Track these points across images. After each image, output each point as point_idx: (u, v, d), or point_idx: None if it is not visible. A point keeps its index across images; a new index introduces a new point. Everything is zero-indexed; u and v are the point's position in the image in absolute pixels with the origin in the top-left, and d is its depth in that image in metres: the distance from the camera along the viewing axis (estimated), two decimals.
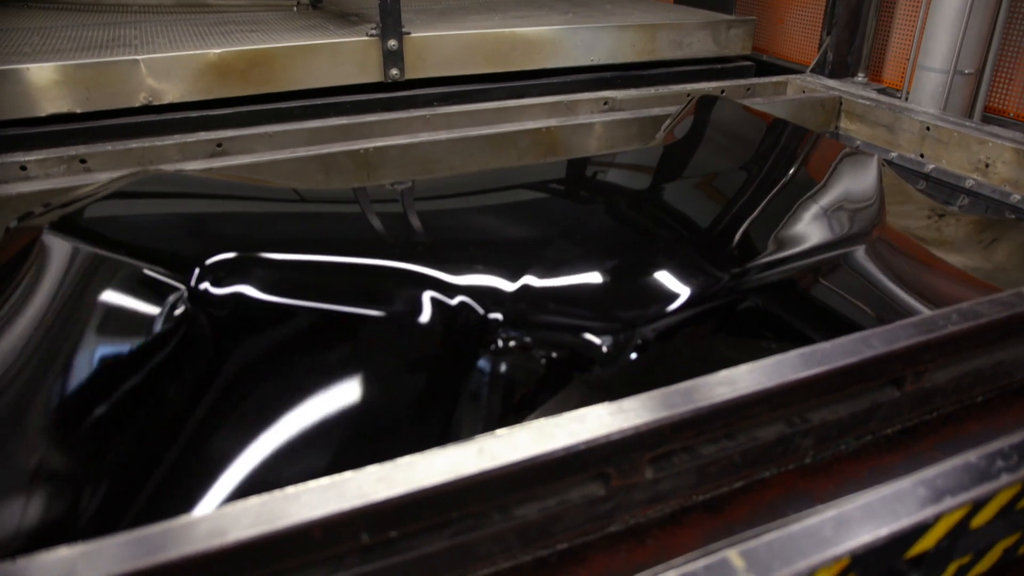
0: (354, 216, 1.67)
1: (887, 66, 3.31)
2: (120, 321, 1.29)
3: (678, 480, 0.98)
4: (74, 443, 1.15)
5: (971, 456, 0.90)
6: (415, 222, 1.57)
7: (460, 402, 1.31)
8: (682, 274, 1.42)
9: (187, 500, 1.14)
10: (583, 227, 1.61)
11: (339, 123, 2.43)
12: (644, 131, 2.64)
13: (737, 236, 1.56)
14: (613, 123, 2.62)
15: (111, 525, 1.08)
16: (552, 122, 2.55)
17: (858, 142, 2.78)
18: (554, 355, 1.31)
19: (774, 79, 3.19)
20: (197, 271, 1.30)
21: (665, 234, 1.59)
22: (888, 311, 1.49)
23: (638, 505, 0.97)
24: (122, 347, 1.26)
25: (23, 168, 2.03)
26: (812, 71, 3.33)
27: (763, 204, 1.67)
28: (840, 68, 3.28)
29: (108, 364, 1.23)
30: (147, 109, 2.48)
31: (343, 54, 2.69)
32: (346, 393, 1.29)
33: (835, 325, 1.50)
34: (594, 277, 1.44)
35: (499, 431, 0.87)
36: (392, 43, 2.71)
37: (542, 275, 1.40)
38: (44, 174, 2.05)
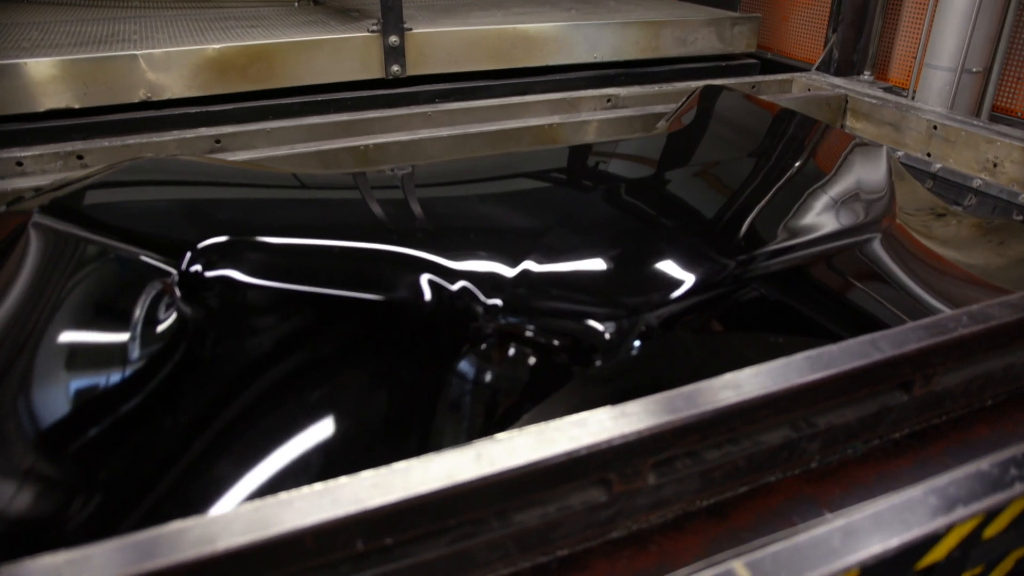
0: (352, 202, 1.64)
1: (893, 64, 3.28)
2: (108, 306, 1.27)
3: (681, 485, 0.96)
4: (55, 434, 1.13)
5: (983, 464, 0.87)
6: (415, 207, 1.54)
7: (456, 392, 1.28)
8: (686, 261, 1.39)
9: (179, 490, 1.12)
10: (585, 213, 1.58)
11: (339, 119, 2.41)
12: (647, 128, 2.62)
13: (744, 223, 1.53)
14: (616, 120, 2.59)
15: (97, 521, 1.06)
16: (555, 119, 2.53)
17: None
18: (556, 342, 1.29)
19: (779, 77, 3.16)
20: (188, 255, 1.27)
21: (669, 221, 1.56)
22: (897, 304, 1.46)
23: (640, 511, 0.95)
24: (110, 333, 1.24)
25: (19, 164, 2.01)
26: (817, 69, 3.30)
27: (770, 192, 1.64)
28: (846, 66, 3.25)
29: (94, 351, 1.21)
30: (146, 105, 2.46)
31: (344, 50, 2.67)
32: (336, 383, 1.27)
33: (842, 315, 1.47)
34: (597, 264, 1.41)
35: (498, 435, 0.85)
36: (393, 39, 2.69)
37: (543, 261, 1.37)
38: (40, 170, 2.03)
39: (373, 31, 2.67)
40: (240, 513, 0.74)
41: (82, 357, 1.21)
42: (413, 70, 2.78)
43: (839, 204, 1.60)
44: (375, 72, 2.74)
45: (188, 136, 2.22)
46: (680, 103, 2.48)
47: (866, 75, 3.24)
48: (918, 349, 1.03)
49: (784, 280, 1.43)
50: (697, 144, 2.05)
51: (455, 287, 1.30)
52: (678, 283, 1.34)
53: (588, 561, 0.92)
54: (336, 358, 1.30)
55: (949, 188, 2.38)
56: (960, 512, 0.80)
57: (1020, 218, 2.16)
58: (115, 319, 1.26)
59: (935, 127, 2.46)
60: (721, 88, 2.31)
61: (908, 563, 0.79)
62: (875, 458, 1.09)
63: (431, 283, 1.31)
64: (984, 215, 2.20)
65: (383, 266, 1.35)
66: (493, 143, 2.40)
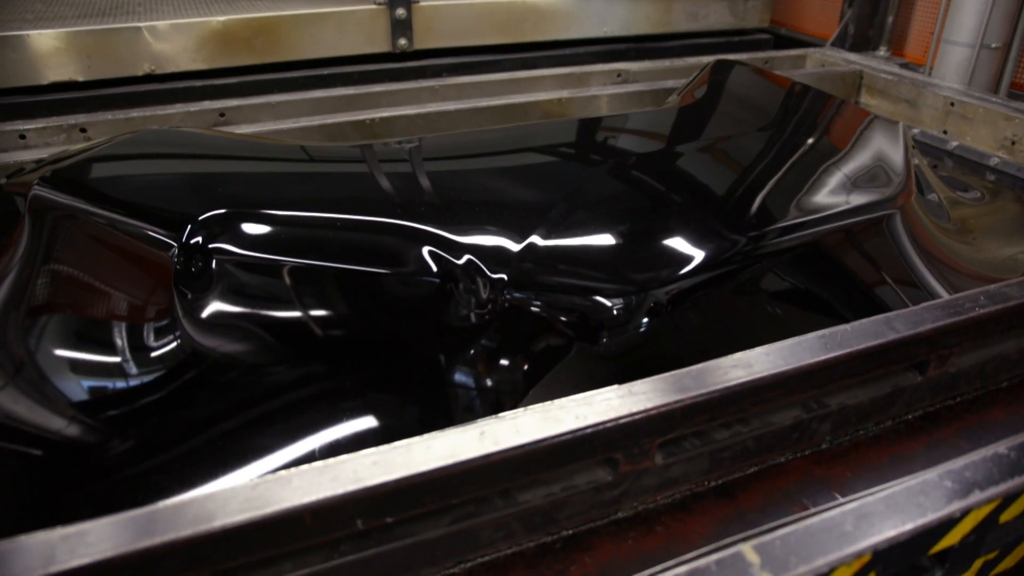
0: (358, 174, 1.61)
1: (910, 40, 3.21)
2: (108, 279, 1.25)
3: (689, 466, 0.94)
4: (55, 402, 1.12)
5: (1000, 447, 0.85)
6: (423, 180, 1.51)
7: (460, 369, 1.27)
8: (696, 237, 1.36)
9: (180, 467, 1.11)
10: (594, 187, 1.54)
11: (345, 93, 2.37)
12: (658, 103, 2.57)
13: (755, 199, 1.49)
14: (626, 95, 2.55)
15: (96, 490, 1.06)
16: (564, 94, 2.48)
17: None
18: (563, 318, 1.26)
19: (792, 52, 3.10)
20: (189, 227, 1.25)
21: (679, 196, 1.52)
22: (912, 283, 1.43)
23: (647, 491, 0.94)
24: (111, 305, 1.22)
25: (22, 137, 1.99)
26: (832, 45, 3.24)
27: (782, 168, 1.60)
28: (861, 42, 3.18)
29: (92, 326, 1.20)
30: (150, 78, 2.43)
31: (350, 23, 2.62)
32: (340, 357, 1.25)
33: (856, 294, 1.44)
34: (605, 238, 1.38)
35: (503, 414, 0.83)
36: (400, 12, 2.64)
37: (551, 235, 1.34)
38: (44, 143, 2.01)
39: (380, 4, 2.63)
40: (238, 491, 0.73)
41: (79, 333, 1.20)
42: (420, 43, 2.74)
43: (854, 180, 1.57)
44: (382, 45, 2.70)
45: (192, 109, 2.19)
46: (691, 78, 2.43)
47: (882, 51, 3.17)
48: (934, 329, 1.01)
49: (797, 257, 1.40)
50: (708, 119, 2.00)
51: (461, 261, 1.28)
52: (688, 259, 1.31)
53: (593, 541, 0.90)
54: (339, 332, 1.28)
55: (966, 166, 2.33)
56: (977, 496, 0.78)
57: None
58: (115, 291, 1.25)
59: (952, 104, 2.40)
60: (733, 63, 2.26)
61: (922, 548, 0.77)
62: (887, 440, 1.06)
63: (437, 256, 1.29)
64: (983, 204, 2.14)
65: (388, 239, 1.33)
66: (501, 118, 2.36)
